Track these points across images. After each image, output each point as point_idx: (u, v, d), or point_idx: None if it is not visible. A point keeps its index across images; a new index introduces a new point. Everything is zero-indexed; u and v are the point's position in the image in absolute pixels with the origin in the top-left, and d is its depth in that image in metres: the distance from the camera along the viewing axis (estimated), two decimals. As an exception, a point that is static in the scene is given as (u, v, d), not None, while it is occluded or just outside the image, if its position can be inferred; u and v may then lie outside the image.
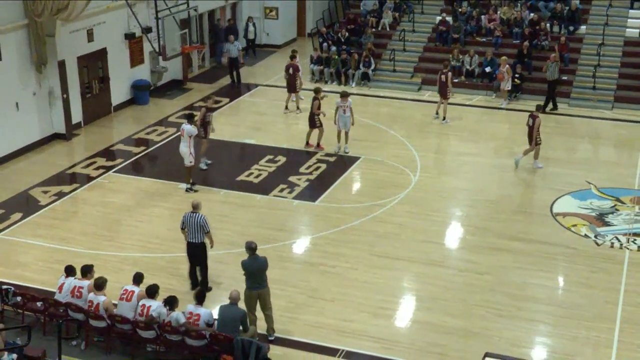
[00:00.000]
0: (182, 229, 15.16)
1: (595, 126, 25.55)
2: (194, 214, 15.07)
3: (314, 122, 22.51)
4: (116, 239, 17.69)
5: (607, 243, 17.57)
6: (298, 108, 26.02)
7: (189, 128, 19.63)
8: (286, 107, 26.12)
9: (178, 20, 26.48)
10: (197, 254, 15.15)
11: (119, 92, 26.28)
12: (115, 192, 20.15)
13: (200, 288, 14.30)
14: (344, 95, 22.26)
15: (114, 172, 21.43)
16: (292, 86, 25.93)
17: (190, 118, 20.02)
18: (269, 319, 13.82)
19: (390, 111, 26.23)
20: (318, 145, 22.64)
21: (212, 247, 15.32)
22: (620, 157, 22.93)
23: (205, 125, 20.96)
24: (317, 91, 22.67)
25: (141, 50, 27.03)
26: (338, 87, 28.63)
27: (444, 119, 25.11)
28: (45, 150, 22.82)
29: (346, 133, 22.37)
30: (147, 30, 26.28)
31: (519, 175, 21.10)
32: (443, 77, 25.10)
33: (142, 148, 23.25)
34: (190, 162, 19.79)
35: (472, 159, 22.50)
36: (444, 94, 25.16)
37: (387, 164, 21.75)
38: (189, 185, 19.98)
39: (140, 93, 26.92)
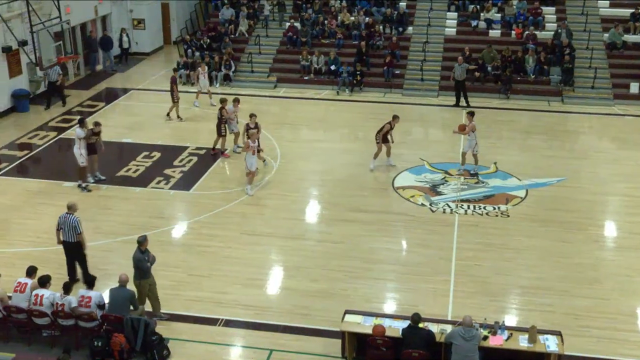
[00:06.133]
0: (58, 229, 14.39)
1: (425, 112, 26.44)
2: (69, 215, 14.35)
3: (220, 130, 21.42)
4: (6, 237, 16.84)
5: (440, 209, 18.28)
6: (178, 116, 24.84)
7: (78, 131, 18.95)
8: (167, 115, 24.95)
9: (52, 33, 25.40)
10: (73, 252, 14.44)
11: (-1, 101, 25.04)
12: (2, 194, 19.14)
13: (90, 275, 13.92)
14: (236, 101, 21.59)
15: (0, 175, 20.35)
16: (172, 97, 24.78)
17: (81, 122, 19.23)
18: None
19: (250, 107, 26.02)
20: (222, 152, 21.61)
21: (84, 249, 14.53)
22: (446, 137, 23.79)
23: (89, 145, 19.26)
24: (222, 101, 21.61)
25: (19, 61, 25.73)
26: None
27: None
28: None
29: (239, 134, 21.73)
30: (23, 43, 25.12)
31: (364, 156, 21.48)
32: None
33: (26, 152, 22.18)
34: (82, 162, 19.02)
35: (323, 145, 22.83)
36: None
37: (251, 154, 21.73)
38: (83, 185, 19.20)
39: (21, 101, 25.67)
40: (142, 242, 13.21)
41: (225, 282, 14.91)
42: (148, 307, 13.40)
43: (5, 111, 25.21)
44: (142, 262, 13.10)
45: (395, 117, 20.71)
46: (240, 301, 14.22)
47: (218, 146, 21.74)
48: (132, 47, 33.28)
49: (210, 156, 21.53)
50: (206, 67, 27.33)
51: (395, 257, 16.14)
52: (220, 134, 21.49)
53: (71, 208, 14.50)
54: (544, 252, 16.19)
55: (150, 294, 13.37)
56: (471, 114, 20.47)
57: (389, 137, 20.60)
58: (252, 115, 20.21)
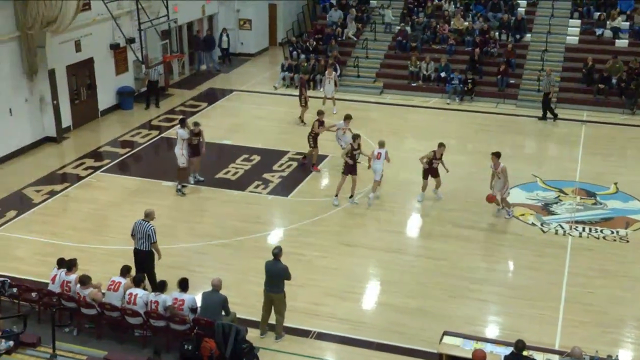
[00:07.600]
0: (132, 235, 14.56)
1: (540, 125, 25.76)
2: (144, 222, 14.39)
3: (309, 141, 21.23)
4: (104, 233, 17.55)
5: (552, 230, 17.75)
6: (302, 120, 25.10)
7: (180, 132, 19.46)
8: (301, 120, 25.25)
9: (159, 31, 26.35)
10: (142, 261, 14.42)
11: (105, 98, 26.06)
12: (103, 190, 20.00)
13: (183, 277, 14.20)
14: (348, 118, 21.52)
15: (102, 171, 21.27)
16: (300, 100, 25.18)
17: (182, 122, 19.72)
18: (277, 322, 13.49)
19: (355, 113, 26.02)
20: (312, 165, 21.46)
21: (159, 258, 14.63)
22: (562, 153, 23.17)
23: (192, 147, 19.70)
24: (319, 113, 21.59)
25: (125, 59, 26.85)
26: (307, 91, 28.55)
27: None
28: (38, 153, 22.59)
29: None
30: (130, 40, 26.14)
31: (471, 170, 21.14)
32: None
33: (128, 149, 23.07)
34: (182, 163, 19.50)
35: (428, 156, 22.56)
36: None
37: (353, 161, 21.74)
38: (179, 186, 19.63)
39: (125, 99, 26.72)
40: (279, 253, 13.27)
41: (320, 293, 14.97)
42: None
43: (109, 108, 26.31)
44: (289, 271, 13.22)
45: (440, 145, 19.24)
46: (334, 314, 14.24)
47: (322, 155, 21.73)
48: (232, 48, 33.95)
49: (309, 162, 21.54)
50: (333, 72, 26.79)
51: (500, 278, 15.78)
52: (310, 145, 21.30)
53: (148, 216, 14.57)
54: (666, 283, 15.44)
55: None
56: (497, 155, 18.16)
57: (435, 165, 19.19)
58: (355, 138, 19.26)
